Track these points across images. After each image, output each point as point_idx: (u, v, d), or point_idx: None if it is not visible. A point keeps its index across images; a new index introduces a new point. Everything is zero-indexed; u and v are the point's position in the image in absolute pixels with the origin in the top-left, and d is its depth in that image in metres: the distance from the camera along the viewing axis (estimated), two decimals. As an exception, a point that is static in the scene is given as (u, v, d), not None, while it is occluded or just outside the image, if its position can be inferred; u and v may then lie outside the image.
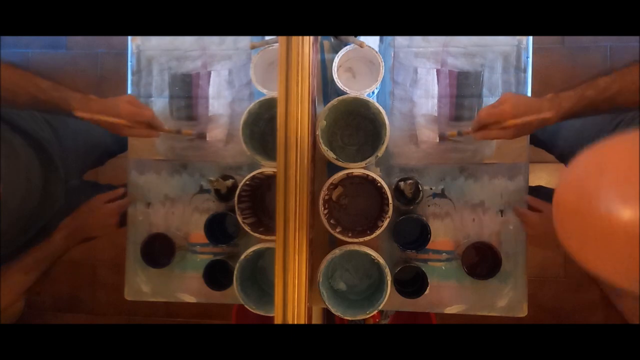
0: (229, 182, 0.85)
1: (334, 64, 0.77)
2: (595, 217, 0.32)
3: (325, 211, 0.78)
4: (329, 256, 0.76)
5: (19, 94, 0.72)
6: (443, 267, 0.86)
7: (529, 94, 0.84)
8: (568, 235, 0.37)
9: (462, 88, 0.85)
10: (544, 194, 1.00)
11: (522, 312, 0.84)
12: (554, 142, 0.95)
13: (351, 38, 0.77)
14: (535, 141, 0.98)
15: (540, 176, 1.38)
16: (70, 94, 0.73)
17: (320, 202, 0.76)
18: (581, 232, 0.34)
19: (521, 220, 0.81)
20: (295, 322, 0.59)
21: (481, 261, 0.84)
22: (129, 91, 0.93)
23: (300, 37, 0.59)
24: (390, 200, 0.75)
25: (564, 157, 0.94)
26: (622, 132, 0.34)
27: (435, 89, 0.86)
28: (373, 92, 0.80)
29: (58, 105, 0.73)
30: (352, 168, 0.76)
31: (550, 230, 0.77)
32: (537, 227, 0.78)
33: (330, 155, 0.75)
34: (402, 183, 0.81)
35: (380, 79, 0.75)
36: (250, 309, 0.78)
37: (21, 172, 0.76)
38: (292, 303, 0.59)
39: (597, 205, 0.32)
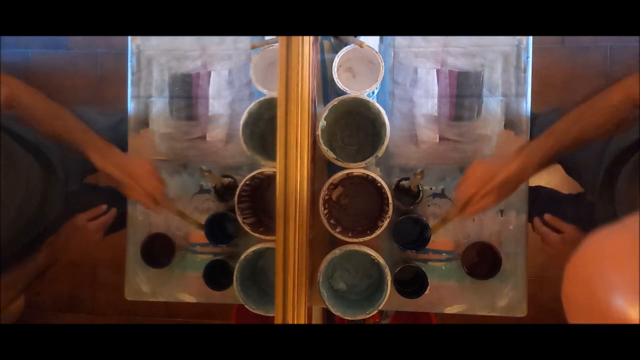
0: (226, 180, 0.85)
1: (334, 64, 0.77)
2: (607, 316, 0.31)
3: (325, 211, 0.78)
4: (329, 256, 0.76)
5: (45, 125, 0.73)
6: (443, 267, 0.86)
7: (529, 94, 0.84)
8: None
9: (462, 88, 0.85)
10: (544, 194, 1.00)
11: (522, 312, 0.84)
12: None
13: (351, 38, 0.77)
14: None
15: (540, 176, 1.38)
16: (92, 140, 0.74)
17: (320, 202, 0.76)
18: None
19: (541, 238, 0.80)
20: (295, 322, 0.59)
21: (481, 261, 0.84)
22: (129, 91, 0.93)
23: (300, 37, 0.59)
24: (390, 200, 0.75)
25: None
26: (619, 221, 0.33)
27: (435, 89, 0.86)
28: (373, 92, 0.80)
29: (77, 146, 0.74)
30: (352, 168, 0.76)
31: (569, 252, 0.78)
32: (557, 248, 0.78)
33: (330, 155, 0.75)
34: (405, 182, 0.81)
35: (380, 79, 0.75)
36: (250, 309, 0.78)
37: (21, 178, 0.76)
38: (292, 303, 0.59)
39: (607, 304, 0.30)
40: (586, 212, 0.78)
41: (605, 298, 0.30)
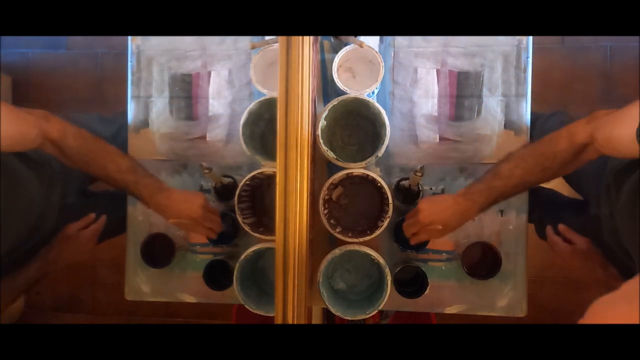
0: (226, 180, 0.85)
1: (334, 64, 0.77)
2: None
3: (325, 211, 0.78)
4: (329, 256, 0.76)
5: (94, 167, 0.74)
6: (443, 267, 0.86)
7: (529, 94, 0.84)
8: None
9: (462, 88, 0.85)
10: (544, 195, 1.00)
11: (522, 312, 0.84)
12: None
13: (351, 38, 0.77)
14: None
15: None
16: (144, 181, 0.75)
17: (320, 202, 0.76)
18: None
19: (552, 247, 0.81)
20: (295, 322, 0.59)
21: (481, 261, 0.84)
22: (129, 91, 0.93)
23: (300, 37, 0.59)
24: (390, 200, 0.75)
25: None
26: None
27: (435, 89, 0.86)
28: (373, 92, 0.80)
29: (129, 190, 0.75)
30: (352, 168, 0.76)
31: (579, 264, 0.77)
32: (567, 259, 0.78)
33: (330, 155, 0.75)
34: (405, 182, 0.81)
35: (380, 79, 0.75)
36: (250, 309, 0.78)
37: (20, 191, 0.76)
38: (292, 303, 0.59)
39: None
40: (591, 225, 0.78)
41: None
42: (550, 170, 0.67)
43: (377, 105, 0.74)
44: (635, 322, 0.34)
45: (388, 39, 0.87)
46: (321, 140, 0.74)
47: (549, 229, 0.81)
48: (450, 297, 0.86)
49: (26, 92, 1.71)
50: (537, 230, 0.92)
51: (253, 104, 0.78)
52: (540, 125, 0.87)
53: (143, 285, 0.92)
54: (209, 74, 0.91)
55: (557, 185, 0.95)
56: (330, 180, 0.76)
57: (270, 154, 0.82)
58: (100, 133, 0.92)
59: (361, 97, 0.74)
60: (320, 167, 0.85)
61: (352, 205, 0.87)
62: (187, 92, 0.91)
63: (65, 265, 0.85)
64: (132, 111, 0.93)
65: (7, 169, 0.74)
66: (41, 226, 0.82)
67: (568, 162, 0.66)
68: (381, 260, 0.76)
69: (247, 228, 0.79)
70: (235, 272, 0.78)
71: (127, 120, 0.93)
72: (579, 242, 0.77)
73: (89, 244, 0.86)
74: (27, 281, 0.80)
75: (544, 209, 0.93)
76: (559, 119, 0.93)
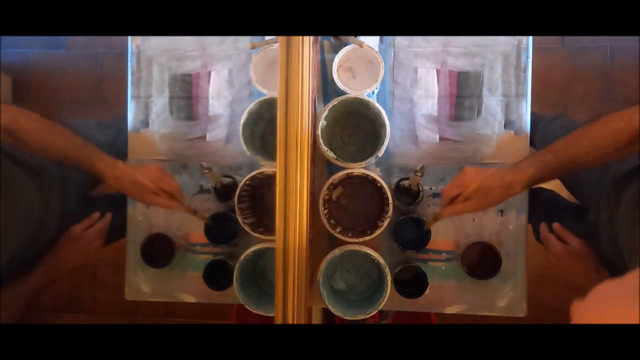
0: (226, 180, 0.85)
1: (334, 64, 0.77)
2: None
3: (325, 211, 0.78)
4: (329, 256, 0.76)
5: (49, 149, 0.72)
6: (443, 267, 0.86)
7: (529, 94, 0.84)
8: None
9: (462, 88, 0.85)
10: (544, 197, 1.00)
11: (522, 312, 0.84)
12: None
13: (351, 38, 0.77)
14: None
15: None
16: (100, 157, 0.74)
17: (320, 202, 0.76)
18: None
19: (544, 245, 0.81)
20: (295, 322, 0.59)
21: (481, 261, 0.84)
22: (129, 91, 0.93)
23: (300, 37, 0.59)
24: (390, 200, 0.75)
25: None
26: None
27: (435, 89, 0.86)
28: (373, 92, 0.80)
29: (86, 166, 0.74)
30: (352, 168, 0.76)
31: (571, 264, 0.77)
32: (560, 258, 0.78)
33: (330, 155, 0.75)
34: (405, 182, 0.81)
35: (380, 79, 0.75)
36: (250, 309, 0.78)
37: (19, 199, 0.76)
38: (292, 303, 0.59)
39: None
40: (589, 229, 0.78)
41: None
42: (603, 151, 0.64)
43: (377, 105, 0.74)
44: (634, 309, 0.33)
45: (388, 39, 0.87)
46: (321, 140, 0.74)
47: (542, 227, 0.81)
48: (450, 297, 0.86)
49: (26, 92, 1.72)
50: (534, 232, 0.92)
51: (253, 104, 0.78)
52: (542, 129, 0.87)
53: (143, 285, 0.92)
54: (209, 74, 0.91)
55: (557, 187, 0.96)
56: (330, 180, 0.76)
57: (270, 154, 0.82)
58: (99, 138, 0.92)
59: (361, 97, 0.74)
60: (320, 167, 0.85)
61: (352, 205, 0.87)
62: (187, 92, 0.91)
63: (72, 267, 0.85)
64: (132, 111, 0.93)
65: (5, 176, 0.74)
66: (42, 233, 0.82)
67: (622, 146, 0.63)
68: (381, 260, 0.76)
69: (247, 228, 0.79)
70: (235, 272, 0.78)
71: (126, 125, 0.93)
72: (573, 243, 0.77)
73: (94, 244, 0.86)
74: (34, 286, 0.80)
75: (543, 210, 0.93)
76: (560, 123, 0.93)
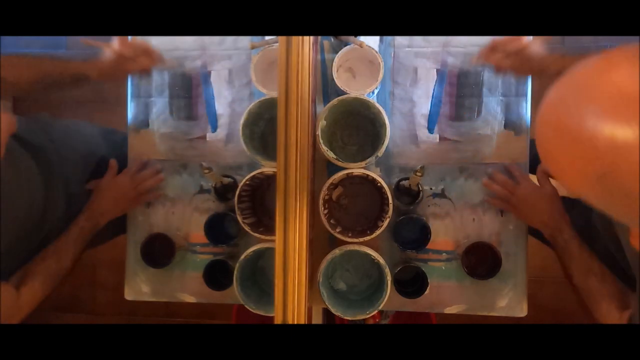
0: (226, 180, 0.85)
1: (334, 64, 0.77)
2: (575, 133, 0.32)
3: (325, 211, 0.78)
4: (329, 256, 0.76)
5: (23, 81, 0.75)
6: (443, 267, 0.86)
7: (529, 94, 0.84)
8: (550, 155, 0.36)
9: (462, 88, 0.85)
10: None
11: (522, 312, 0.84)
12: None
13: (351, 38, 0.77)
14: None
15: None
16: (78, 62, 0.77)
17: (320, 202, 0.76)
18: (562, 149, 0.34)
19: (495, 192, 0.83)
20: (295, 322, 0.59)
21: (481, 261, 0.84)
22: (129, 91, 0.93)
23: (300, 37, 0.59)
24: (390, 200, 0.75)
25: None
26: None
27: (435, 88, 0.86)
28: (373, 92, 0.80)
29: (58, 73, 0.77)
30: (352, 168, 0.76)
31: (524, 202, 0.78)
32: (510, 200, 0.81)
33: (330, 155, 0.75)
34: (405, 182, 0.81)
35: (380, 79, 0.75)
36: (250, 309, 0.78)
37: (22, 183, 0.76)
38: (292, 303, 0.59)
39: (578, 121, 0.32)
40: (589, 226, 0.77)
41: (577, 112, 0.32)
42: None
43: (377, 105, 0.74)
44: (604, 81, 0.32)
45: (388, 39, 0.87)
46: (321, 140, 0.74)
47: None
48: (450, 297, 0.86)
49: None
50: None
51: (253, 104, 0.78)
52: None
53: (143, 285, 0.92)
54: (209, 74, 0.91)
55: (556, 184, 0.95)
56: (330, 180, 0.76)
57: (270, 154, 0.82)
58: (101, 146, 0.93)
59: (361, 97, 0.74)
60: (320, 167, 0.85)
61: (352, 205, 0.87)
62: (187, 92, 0.91)
63: (116, 212, 0.87)
64: (132, 111, 0.93)
65: (9, 153, 0.74)
66: (51, 213, 0.83)
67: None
68: (381, 260, 0.76)
69: (247, 228, 0.79)
70: (235, 272, 0.78)
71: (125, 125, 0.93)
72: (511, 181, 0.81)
73: (133, 192, 0.88)
74: (80, 232, 0.82)
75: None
76: None
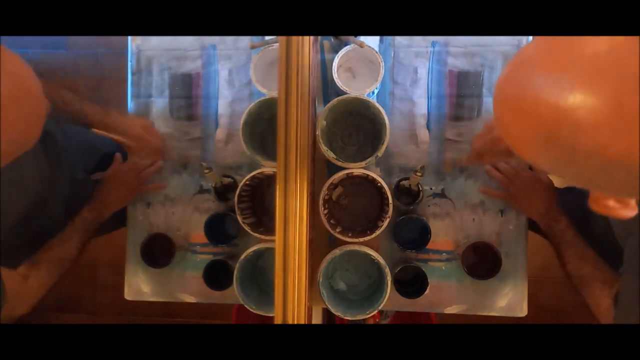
0: (226, 180, 0.85)
1: (334, 64, 0.77)
2: (520, 100, 0.35)
3: (325, 211, 0.78)
4: (329, 256, 0.76)
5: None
6: (443, 267, 0.86)
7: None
8: (505, 128, 0.38)
9: (462, 88, 0.85)
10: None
11: (522, 312, 0.84)
12: None
13: (351, 38, 0.77)
14: None
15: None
16: (89, 108, 0.79)
17: (320, 202, 0.76)
18: (512, 120, 0.36)
19: (496, 179, 0.83)
20: (295, 322, 0.59)
21: (481, 261, 0.84)
22: (129, 91, 0.93)
23: (300, 37, 0.59)
24: (390, 200, 0.75)
25: None
26: None
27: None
28: (373, 92, 0.80)
29: (77, 118, 0.79)
30: (352, 168, 0.76)
31: (522, 191, 0.79)
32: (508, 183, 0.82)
33: (330, 155, 0.75)
34: (405, 182, 0.81)
35: (380, 79, 0.75)
36: (250, 309, 0.78)
37: (29, 163, 0.77)
38: (292, 303, 0.59)
39: (521, 91, 0.35)
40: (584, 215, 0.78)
41: (531, 83, 0.34)
42: None
43: (377, 105, 0.74)
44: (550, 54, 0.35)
45: (388, 39, 0.87)
46: (321, 141, 0.74)
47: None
48: (450, 297, 0.86)
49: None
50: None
51: (253, 104, 0.78)
52: None
53: (143, 285, 0.92)
54: (210, 74, 0.91)
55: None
56: (330, 180, 0.76)
57: (270, 154, 0.82)
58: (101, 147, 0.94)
59: (361, 97, 0.74)
60: (320, 167, 0.85)
61: (352, 205, 0.87)
62: (187, 92, 0.91)
63: (119, 203, 0.88)
64: (132, 111, 0.93)
65: None
66: (55, 199, 0.84)
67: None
68: (381, 260, 0.76)
69: (247, 228, 0.79)
70: (235, 272, 0.78)
71: None
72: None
73: (136, 180, 0.89)
74: (86, 223, 0.83)
75: None
76: None
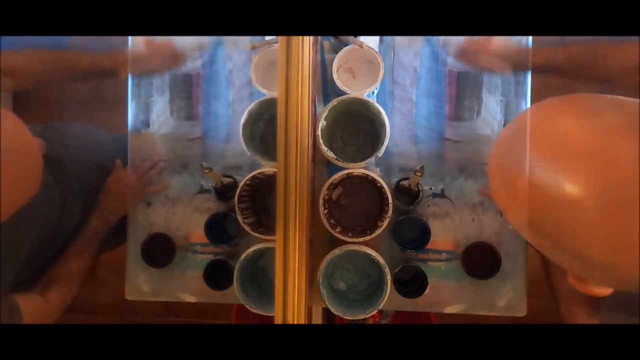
0: (226, 180, 0.85)
1: (334, 64, 0.77)
2: (513, 180, 0.37)
3: (325, 211, 0.78)
4: (329, 256, 0.76)
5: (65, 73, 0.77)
6: (443, 267, 0.86)
7: (529, 94, 0.84)
8: (499, 198, 0.41)
9: (461, 88, 0.85)
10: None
11: (521, 312, 0.84)
12: None
13: (351, 38, 0.77)
14: None
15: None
16: (96, 56, 0.84)
17: (320, 202, 0.76)
18: (506, 189, 0.38)
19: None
20: (295, 322, 0.59)
21: (481, 261, 0.84)
22: (129, 91, 0.93)
23: (300, 37, 0.59)
24: (390, 200, 0.75)
25: None
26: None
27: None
28: (373, 92, 0.80)
29: (89, 71, 0.83)
30: (352, 168, 0.76)
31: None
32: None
33: (330, 155, 0.75)
34: (405, 182, 0.81)
35: (380, 79, 0.75)
36: (250, 309, 0.78)
37: (39, 197, 0.76)
38: (292, 303, 0.59)
39: (516, 163, 0.37)
40: None
41: (515, 154, 0.38)
42: None
43: (377, 105, 0.74)
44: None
45: (388, 39, 0.87)
46: (321, 141, 0.74)
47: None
48: (450, 297, 0.86)
49: (26, 92, 1.71)
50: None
51: (253, 104, 0.78)
52: None
53: (143, 285, 0.92)
54: (210, 74, 0.91)
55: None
56: (330, 180, 0.76)
57: (270, 154, 0.82)
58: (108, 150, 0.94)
59: (361, 97, 0.74)
60: (320, 167, 0.86)
61: (352, 205, 0.87)
62: (187, 92, 0.91)
63: (125, 208, 0.89)
64: (132, 111, 0.93)
65: None
66: (67, 222, 0.83)
67: None
68: (381, 260, 0.76)
69: (247, 228, 0.79)
70: (235, 272, 0.78)
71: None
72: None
73: (139, 184, 0.89)
74: (94, 232, 0.84)
75: None
76: None
